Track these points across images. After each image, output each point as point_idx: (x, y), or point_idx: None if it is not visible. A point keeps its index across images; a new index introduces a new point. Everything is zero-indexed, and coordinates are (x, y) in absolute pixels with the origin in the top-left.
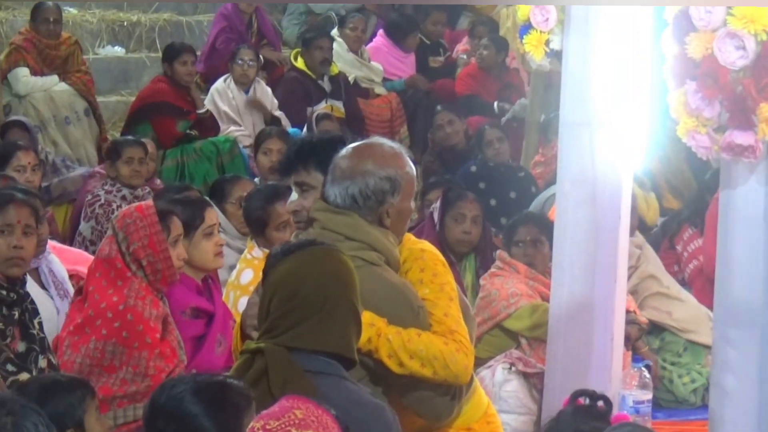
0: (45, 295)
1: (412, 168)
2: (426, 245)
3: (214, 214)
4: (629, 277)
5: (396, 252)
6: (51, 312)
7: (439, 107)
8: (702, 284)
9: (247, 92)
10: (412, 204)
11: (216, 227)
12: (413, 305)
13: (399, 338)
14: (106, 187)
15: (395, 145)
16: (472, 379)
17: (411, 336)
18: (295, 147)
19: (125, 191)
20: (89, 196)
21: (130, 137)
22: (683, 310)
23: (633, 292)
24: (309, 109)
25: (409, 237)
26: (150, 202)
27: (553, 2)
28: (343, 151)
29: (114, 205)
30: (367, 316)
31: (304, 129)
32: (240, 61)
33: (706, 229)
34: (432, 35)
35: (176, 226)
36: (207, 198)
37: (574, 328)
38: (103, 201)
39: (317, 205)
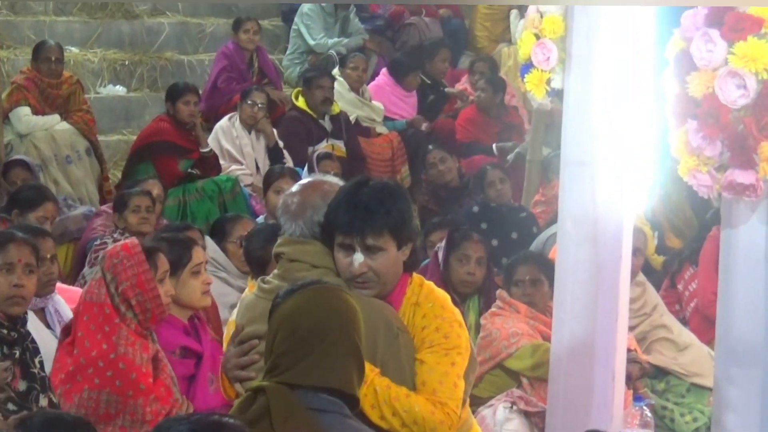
0: (50, 334)
1: None
2: (446, 301)
3: (201, 253)
4: (640, 323)
5: None
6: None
7: (430, 146)
8: (698, 322)
9: (250, 133)
10: None
11: (203, 266)
12: (392, 326)
13: (386, 393)
14: (114, 236)
15: (338, 180)
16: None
17: (399, 394)
18: (357, 207)
19: None
20: (97, 241)
21: (136, 188)
22: (689, 355)
23: (642, 338)
24: (310, 149)
25: (429, 285)
26: (135, 240)
27: (556, 2)
28: (293, 189)
29: None
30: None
31: (305, 168)
32: (250, 102)
33: (700, 266)
34: (438, 72)
35: (162, 262)
36: (203, 236)
37: (576, 366)
38: None
39: (281, 240)
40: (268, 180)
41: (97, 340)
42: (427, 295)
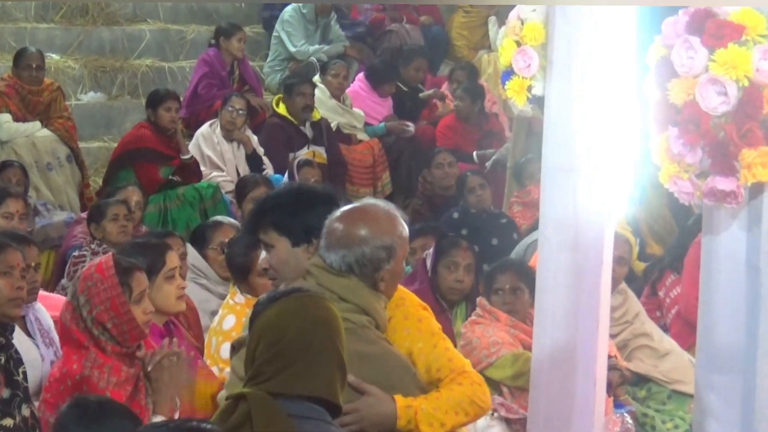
0: (31, 343)
1: (405, 229)
2: (403, 291)
3: (175, 257)
4: (621, 332)
5: (385, 316)
6: (36, 360)
7: (438, 148)
8: (680, 328)
9: (231, 140)
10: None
11: (177, 270)
12: (410, 370)
13: (429, 404)
14: (92, 246)
15: (389, 206)
16: None
17: (435, 397)
18: (255, 207)
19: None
20: (76, 251)
21: (113, 198)
22: (669, 362)
23: (623, 346)
24: (291, 155)
25: None
26: (110, 259)
27: (547, 2)
28: (338, 214)
29: None
30: (401, 401)
31: (286, 175)
32: (230, 108)
33: (684, 273)
34: (412, 80)
35: (139, 282)
36: (184, 243)
37: (557, 374)
38: (87, 263)
39: (314, 260)
40: (244, 190)
41: (72, 360)
42: None
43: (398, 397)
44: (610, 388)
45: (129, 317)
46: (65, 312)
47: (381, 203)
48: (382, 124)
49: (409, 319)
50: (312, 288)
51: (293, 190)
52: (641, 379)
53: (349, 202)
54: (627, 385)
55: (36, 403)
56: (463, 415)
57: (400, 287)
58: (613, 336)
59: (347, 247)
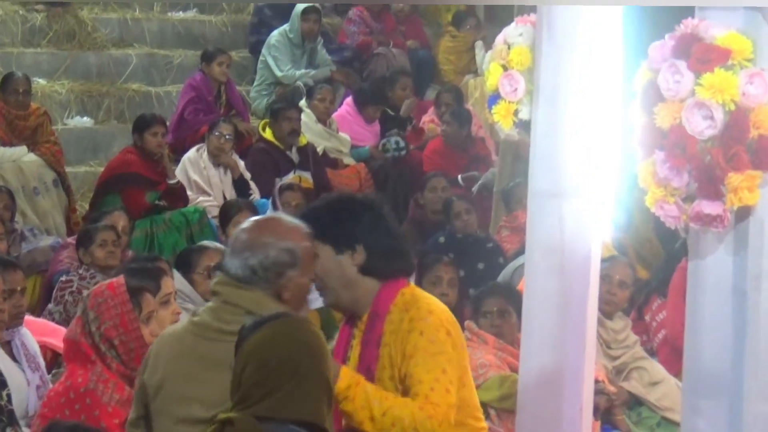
0: (16, 367)
1: (311, 243)
2: (435, 306)
3: (170, 283)
4: (622, 355)
5: None
6: (21, 384)
7: (433, 172)
8: (667, 353)
9: (218, 165)
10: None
11: (172, 296)
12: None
13: (375, 392)
14: (80, 272)
15: (295, 220)
16: None
17: (387, 394)
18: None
19: (99, 277)
20: (63, 277)
21: (101, 223)
22: (661, 390)
23: (622, 369)
24: (277, 180)
25: (416, 292)
26: (121, 279)
27: (543, 2)
28: (244, 224)
29: (84, 293)
30: (348, 369)
31: (271, 200)
32: (217, 134)
33: (669, 297)
34: (399, 102)
35: (148, 302)
36: (171, 268)
37: (543, 397)
38: (74, 288)
39: (219, 278)
40: (228, 214)
41: (77, 374)
42: (413, 301)
43: (344, 368)
44: (597, 412)
45: (137, 334)
46: (74, 327)
47: (288, 216)
48: (367, 147)
49: (423, 336)
50: (218, 307)
51: (333, 199)
52: (634, 403)
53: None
54: (624, 407)
55: (24, 430)
56: (397, 429)
57: (434, 302)
58: (614, 358)
59: (250, 250)
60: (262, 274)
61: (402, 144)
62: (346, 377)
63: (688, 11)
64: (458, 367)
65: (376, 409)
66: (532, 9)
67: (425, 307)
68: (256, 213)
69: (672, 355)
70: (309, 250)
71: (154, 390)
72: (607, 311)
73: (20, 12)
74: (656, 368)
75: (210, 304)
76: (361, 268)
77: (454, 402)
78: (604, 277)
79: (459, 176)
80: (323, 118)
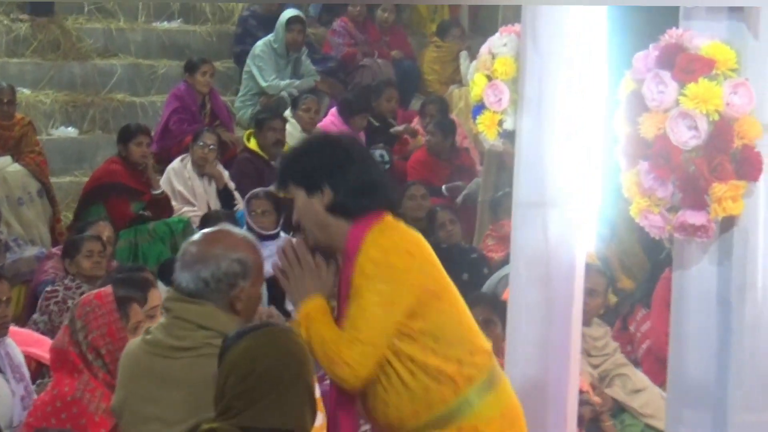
0: (1, 378)
1: (261, 255)
2: (396, 235)
3: (157, 295)
4: (603, 362)
5: None
6: (6, 395)
7: (412, 181)
8: (651, 363)
9: (203, 175)
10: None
11: (158, 309)
12: None
13: (321, 316)
14: (66, 282)
15: (243, 231)
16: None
17: (329, 320)
18: (282, 163)
19: (84, 287)
20: (48, 286)
21: (87, 234)
22: (644, 397)
23: (604, 376)
24: None
25: (383, 226)
26: (109, 289)
27: (541, 2)
28: (193, 237)
29: (69, 303)
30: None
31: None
32: (201, 144)
33: (653, 307)
34: (385, 112)
35: (135, 312)
36: (156, 278)
37: (528, 407)
38: (60, 298)
39: (169, 293)
40: (207, 226)
41: (64, 383)
42: (379, 235)
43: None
44: (582, 422)
45: (124, 344)
46: (62, 336)
47: (237, 228)
48: None
49: (362, 275)
50: (170, 323)
51: (305, 142)
52: (617, 410)
53: None
54: (609, 414)
55: None
56: (317, 346)
57: (402, 229)
58: (595, 366)
59: (202, 262)
60: (214, 286)
61: (387, 157)
62: (307, 306)
63: (673, 21)
64: (397, 291)
65: (307, 323)
66: (517, 19)
67: (380, 241)
68: (236, 224)
69: (656, 366)
70: (259, 261)
71: (118, 410)
72: None
73: (4, 22)
74: (639, 375)
75: (162, 320)
76: (329, 208)
77: (378, 327)
78: None
79: (443, 186)
80: (308, 128)
